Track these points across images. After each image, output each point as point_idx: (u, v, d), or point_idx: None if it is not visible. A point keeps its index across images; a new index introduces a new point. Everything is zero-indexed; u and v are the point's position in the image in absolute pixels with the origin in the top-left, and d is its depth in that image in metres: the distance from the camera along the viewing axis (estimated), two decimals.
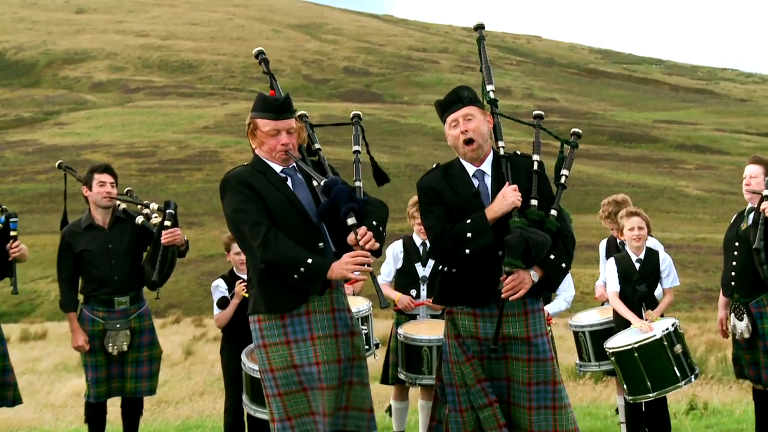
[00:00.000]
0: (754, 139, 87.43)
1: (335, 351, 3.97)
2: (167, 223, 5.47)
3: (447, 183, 4.11)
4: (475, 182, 4.12)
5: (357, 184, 4.15)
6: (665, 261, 5.90)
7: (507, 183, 4.05)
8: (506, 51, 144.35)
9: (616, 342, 5.64)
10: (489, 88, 4.30)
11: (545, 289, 4.13)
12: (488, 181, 4.12)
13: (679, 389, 5.69)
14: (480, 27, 4.50)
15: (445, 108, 4.17)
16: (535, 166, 4.13)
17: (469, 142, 4.09)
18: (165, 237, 5.45)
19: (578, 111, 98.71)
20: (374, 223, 3.91)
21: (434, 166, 4.26)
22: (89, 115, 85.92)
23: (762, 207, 5.38)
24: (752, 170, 5.62)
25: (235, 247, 5.85)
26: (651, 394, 5.47)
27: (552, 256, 4.00)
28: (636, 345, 5.47)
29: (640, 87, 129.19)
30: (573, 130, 4.35)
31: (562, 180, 4.23)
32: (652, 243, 6.07)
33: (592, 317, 6.25)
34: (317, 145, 4.32)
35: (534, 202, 4.05)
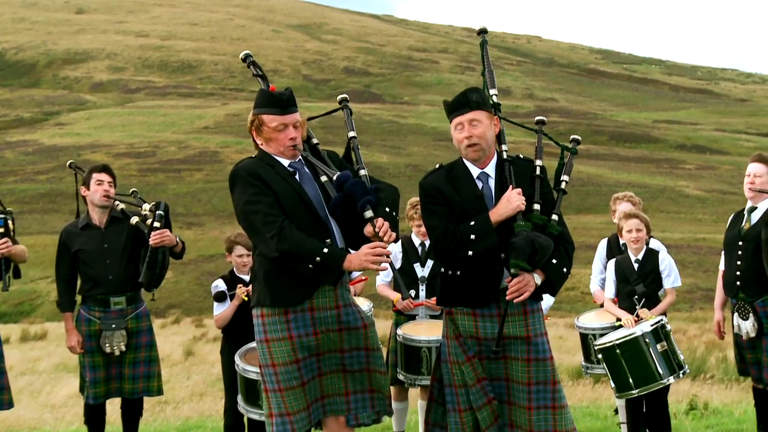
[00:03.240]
0: (754, 139, 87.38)
1: (338, 342, 4.00)
2: (156, 224, 5.47)
3: (451, 184, 4.09)
4: (479, 184, 4.11)
5: (361, 172, 4.12)
6: (664, 261, 5.91)
7: (511, 186, 4.04)
8: (506, 51, 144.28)
9: (604, 339, 5.70)
10: (492, 92, 4.27)
11: (545, 292, 4.13)
12: (492, 183, 4.11)
13: (670, 385, 5.69)
14: (483, 31, 4.48)
15: (452, 109, 4.14)
16: (538, 171, 4.14)
17: (471, 145, 4.08)
18: (153, 238, 5.45)
19: (578, 111, 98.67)
20: (387, 209, 3.93)
21: (437, 166, 4.24)
22: (89, 115, 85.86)
23: None
24: (756, 168, 5.55)
25: (238, 249, 5.82)
26: (634, 391, 5.47)
27: (554, 261, 4.01)
28: (617, 342, 5.50)
29: (640, 87, 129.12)
30: (572, 136, 4.37)
31: (563, 185, 4.24)
32: (656, 245, 6.08)
33: (598, 319, 6.25)
34: (315, 140, 4.28)
35: (537, 206, 4.06)
